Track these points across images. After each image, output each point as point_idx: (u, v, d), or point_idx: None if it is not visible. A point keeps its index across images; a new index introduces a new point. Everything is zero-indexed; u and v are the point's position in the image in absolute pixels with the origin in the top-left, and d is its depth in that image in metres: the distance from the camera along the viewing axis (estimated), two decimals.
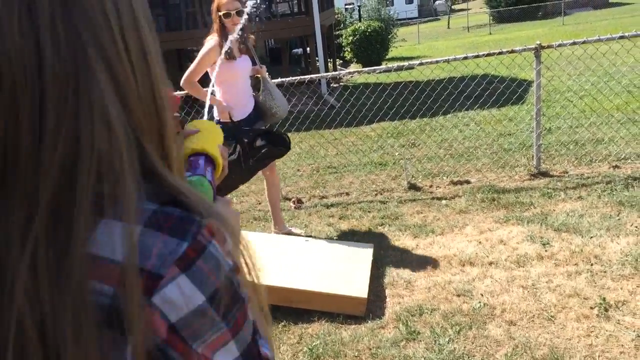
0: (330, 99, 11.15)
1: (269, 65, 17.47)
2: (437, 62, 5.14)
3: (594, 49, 5.18)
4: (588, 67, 6.93)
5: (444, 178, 5.17)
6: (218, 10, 3.63)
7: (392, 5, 38.97)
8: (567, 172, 4.86)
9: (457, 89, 6.15)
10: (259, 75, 3.99)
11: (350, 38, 17.43)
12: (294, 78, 5.29)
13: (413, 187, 5.04)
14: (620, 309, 2.71)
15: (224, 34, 3.64)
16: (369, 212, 4.52)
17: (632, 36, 4.77)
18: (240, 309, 0.61)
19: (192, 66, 3.73)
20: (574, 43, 4.85)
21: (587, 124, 6.12)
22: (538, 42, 4.86)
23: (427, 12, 49.81)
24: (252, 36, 3.98)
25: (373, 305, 3.06)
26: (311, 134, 7.86)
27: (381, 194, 4.97)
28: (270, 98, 3.94)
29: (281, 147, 3.61)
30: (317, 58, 12.29)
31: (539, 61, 4.87)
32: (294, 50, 18.26)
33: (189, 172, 0.86)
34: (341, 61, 19.20)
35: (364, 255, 3.45)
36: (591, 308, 2.74)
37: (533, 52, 4.87)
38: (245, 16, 3.58)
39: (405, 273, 3.39)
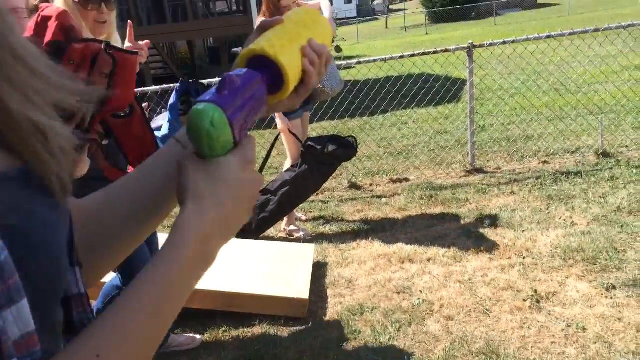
0: None
1: (208, 64, 17.15)
2: (374, 61, 5.20)
3: (522, 48, 5.38)
4: (518, 66, 7.20)
5: (384, 176, 5.23)
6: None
7: (332, 4, 39.28)
8: (500, 168, 5.02)
9: (395, 88, 6.24)
10: None
11: None
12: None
13: (353, 185, 5.07)
14: (551, 300, 2.81)
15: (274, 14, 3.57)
16: (310, 211, 4.51)
17: (558, 35, 4.98)
18: None
19: None
20: (504, 42, 5.02)
21: (518, 121, 6.35)
22: (470, 42, 5.00)
23: (366, 12, 50.50)
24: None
25: (315, 306, 3.05)
26: (250, 135, 7.77)
27: (322, 194, 4.97)
28: None
29: (350, 149, 3.70)
30: None
31: (472, 60, 5.00)
32: (233, 49, 18.05)
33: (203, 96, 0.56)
34: None
35: (305, 255, 3.43)
36: (524, 300, 2.83)
37: (466, 51, 5.00)
38: None
39: (346, 272, 3.40)
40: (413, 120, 7.30)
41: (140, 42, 2.09)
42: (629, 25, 4.90)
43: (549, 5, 34.23)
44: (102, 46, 1.29)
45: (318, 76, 0.69)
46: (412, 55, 5.09)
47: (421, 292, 3.06)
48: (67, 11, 1.34)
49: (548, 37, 4.95)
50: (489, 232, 3.67)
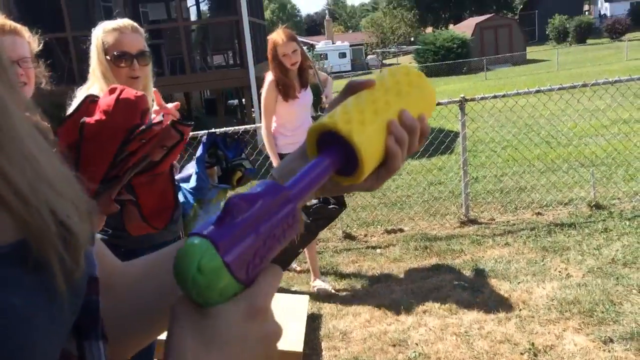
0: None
1: (205, 115, 17.38)
2: None
3: (513, 101, 5.50)
4: (509, 119, 7.34)
5: (378, 227, 5.23)
6: (275, 50, 3.60)
7: (327, 59, 40.25)
8: (494, 219, 5.04)
9: None
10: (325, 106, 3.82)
11: None
12: (229, 128, 5.29)
13: (348, 236, 5.06)
14: (549, 353, 2.78)
15: (281, 70, 3.62)
16: (304, 262, 4.48)
17: (547, 90, 5.11)
18: None
19: (262, 116, 3.73)
20: (495, 96, 5.14)
21: (511, 172, 6.43)
22: (462, 95, 5.11)
23: (360, 66, 51.67)
24: (310, 66, 3.86)
25: (309, 359, 2.99)
26: (246, 187, 7.80)
27: (316, 244, 4.94)
28: None
29: (334, 205, 3.41)
30: (252, 109, 12.38)
31: (464, 113, 5.10)
32: (229, 101, 18.33)
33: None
34: None
35: (299, 307, 3.38)
36: (521, 354, 2.79)
37: (458, 104, 5.11)
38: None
39: (341, 324, 3.35)
40: (407, 171, 7.36)
41: (169, 105, 2.01)
42: (616, 81, 5.04)
43: (538, 61, 35.18)
44: (170, 123, 1.30)
45: (406, 155, 0.55)
46: None
47: (417, 344, 3.01)
48: (145, 95, 1.35)
49: (538, 91, 5.08)
50: (484, 284, 3.65)
